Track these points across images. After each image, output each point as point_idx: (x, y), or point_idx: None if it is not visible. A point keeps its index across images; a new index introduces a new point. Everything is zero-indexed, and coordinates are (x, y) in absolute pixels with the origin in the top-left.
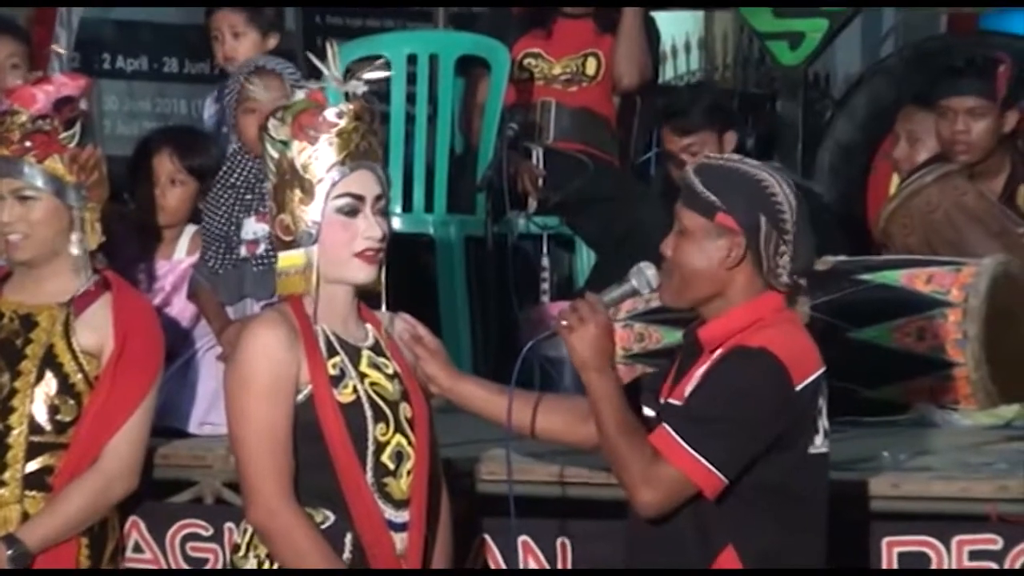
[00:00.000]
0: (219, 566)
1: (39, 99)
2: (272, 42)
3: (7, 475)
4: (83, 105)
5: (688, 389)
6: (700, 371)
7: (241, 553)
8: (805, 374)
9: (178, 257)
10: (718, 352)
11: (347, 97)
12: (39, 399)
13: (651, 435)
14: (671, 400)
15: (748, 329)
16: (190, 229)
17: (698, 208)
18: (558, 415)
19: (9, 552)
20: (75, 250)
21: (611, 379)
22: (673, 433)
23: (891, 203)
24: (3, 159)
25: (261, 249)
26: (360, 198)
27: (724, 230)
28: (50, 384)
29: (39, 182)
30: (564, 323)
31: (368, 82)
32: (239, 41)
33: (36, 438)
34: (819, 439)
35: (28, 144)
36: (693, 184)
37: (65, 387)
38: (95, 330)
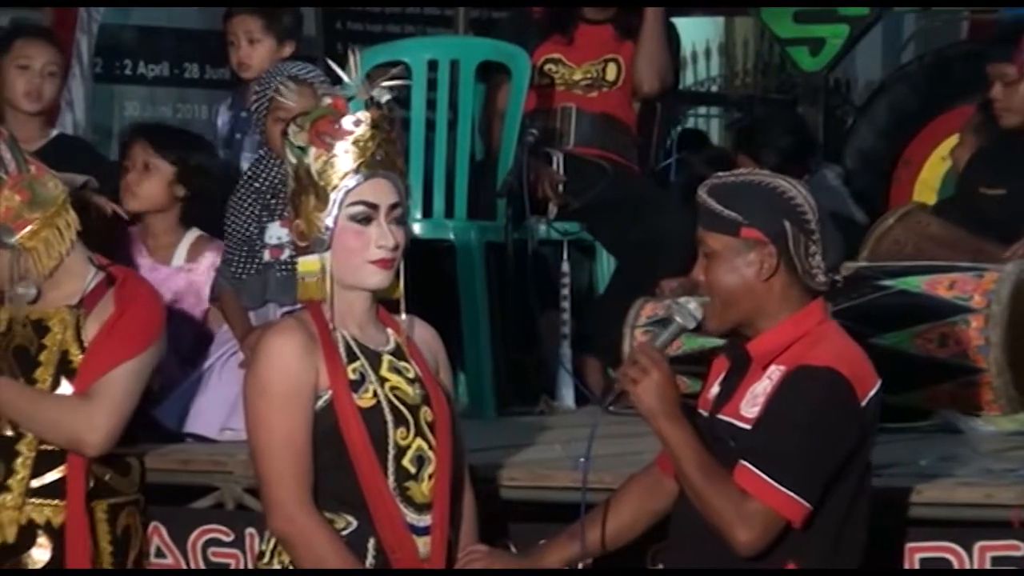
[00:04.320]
0: None
1: None
2: (288, 50)
3: (12, 481)
4: None
5: (744, 407)
6: (757, 389)
7: (266, 560)
8: (867, 388)
9: (176, 264)
10: (772, 368)
11: (367, 105)
12: None
13: (735, 474)
14: (723, 416)
15: (798, 343)
16: (190, 236)
17: (720, 228)
18: (626, 508)
19: None
20: (21, 290)
21: (683, 423)
22: (755, 470)
23: (863, 252)
24: None
25: (285, 255)
26: (374, 206)
27: (752, 243)
28: (66, 390)
29: None
30: (628, 378)
31: (389, 89)
32: (254, 48)
33: (48, 447)
34: (872, 449)
35: None
36: (710, 206)
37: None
38: (101, 323)
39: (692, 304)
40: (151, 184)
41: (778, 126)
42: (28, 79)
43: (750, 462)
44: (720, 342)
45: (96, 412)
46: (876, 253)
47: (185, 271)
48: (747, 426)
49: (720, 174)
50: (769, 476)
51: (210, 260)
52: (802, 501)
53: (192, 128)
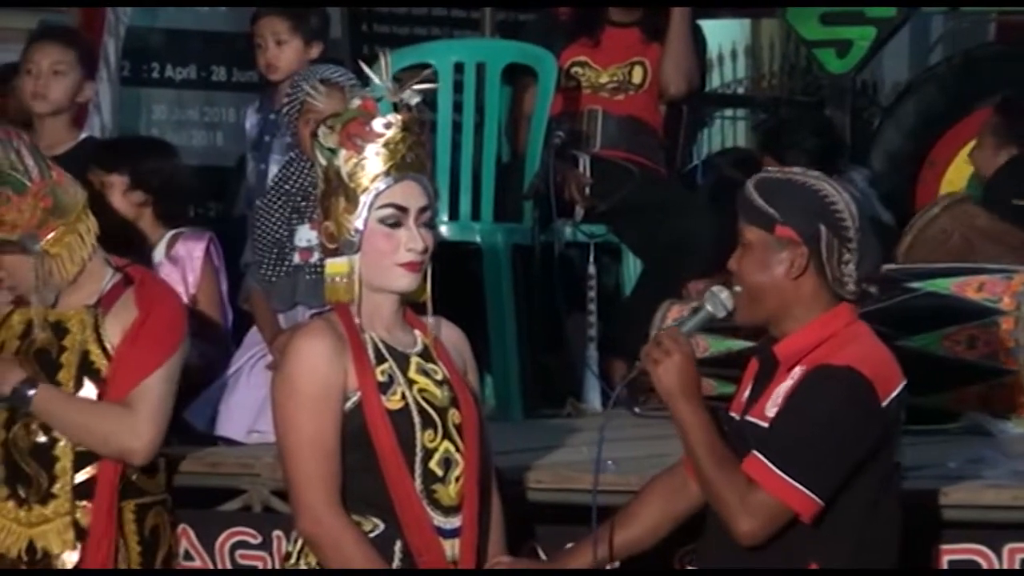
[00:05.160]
0: None
1: None
2: (315, 51)
3: (57, 487)
4: None
5: (769, 408)
6: (781, 389)
7: (292, 561)
8: (890, 388)
9: (157, 260)
10: (797, 369)
11: (396, 107)
12: None
13: (744, 463)
14: (751, 418)
15: (824, 344)
16: (167, 236)
17: (758, 222)
18: (650, 511)
19: (18, 384)
20: (42, 290)
21: (699, 407)
22: (765, 460)
23: (906, 239)
24: None
25: (315, 257)
26: (403, 209)
27: (785, 242)
28: (90, 391)
29: None
30: (651, 358)
31: (418, 92)
32: (282, 49)
33: (82, 447)
34: (898, 450)
35: None
36: (752, 198)
37: (105, 392)
38: (122, 325)
39: (724, 294)
40: (111, 201)
41: (804, 127)
42: (32, 81)
43: (761, 453)
44: (747, 344)
45: (139, 421)
46: (920, 241)
47: (164, 264)
48: (767, 424)
49: (771, 169)
50: (778, 467)
51: (178, 249)
52: (812, 495)
53: (220, 130)
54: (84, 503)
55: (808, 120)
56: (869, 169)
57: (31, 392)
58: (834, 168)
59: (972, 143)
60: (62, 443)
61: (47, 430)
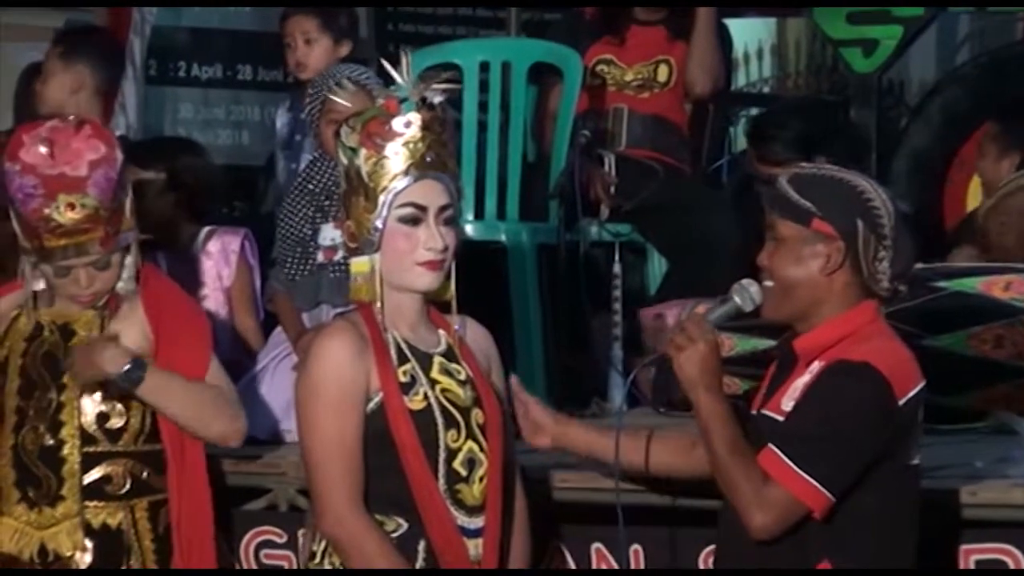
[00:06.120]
0: None
1: (107, 189)
2: (344, 50)
3: (65, 489)
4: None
5: (785, 402)
6: (798, 384)
7: (317, 560)
8: (908, 388)
9: (193, 255)
10: (815, 364)
11: (418, 106)
12: (87, 409)
13: (759, 457)
14: (766, 411)
15: (844, 341)
16: (203, 232)
17: (793, 216)
18: (666, 447)
19: (127, 367)
20: (126, 279)
21: (720, 398)
22: (780, 454)
23: (990, 200)
24: (92, 243)
25: (339, 256)
26: (423, 208)
27: (821, 236)
28: (95, 392)
29: (118, 250)
30: (674, 344)
31: (441, 91)
32: (311, 48)
33: (90, 448)
34: (916, 451)
35: (111, 228)
36: (787, 193)
37: (110, 393)
38: (130, 326)
39: (754, 288)
40: (148, 199)
41: (786, 117)
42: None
43: (776, 447)
44: (773, 343)
45: (232, 404)
46: (1002, 208)
47: (200, 258)
48: (783, 419)
49: (804, 165)
50: (794, 463)
51: (213, 244)
52: (825, 492)
53: (245, 129)
54: (93, 503)
55: (791, 110)
56: (895, 168)
57: (141, 373)
58: (811, 158)
59: None
60: (69, 444)
61: (55, 432)
